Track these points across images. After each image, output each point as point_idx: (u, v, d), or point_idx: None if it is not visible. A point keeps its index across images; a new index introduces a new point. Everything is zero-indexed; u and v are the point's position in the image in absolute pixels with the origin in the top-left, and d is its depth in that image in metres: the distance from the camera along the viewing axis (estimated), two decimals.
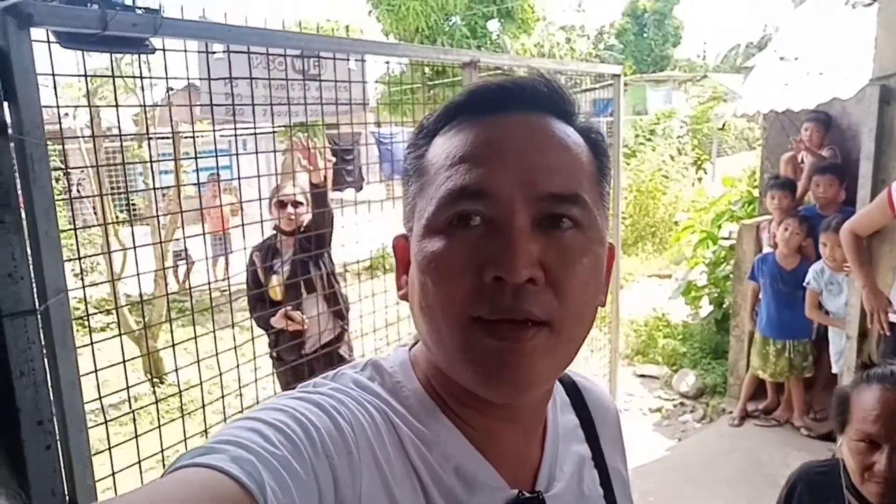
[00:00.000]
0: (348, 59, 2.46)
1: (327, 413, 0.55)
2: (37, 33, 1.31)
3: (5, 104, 1.25)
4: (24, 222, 1.28)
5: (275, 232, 3.32)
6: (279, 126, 2.76)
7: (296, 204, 3.28)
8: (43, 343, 1.33)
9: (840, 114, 4.03)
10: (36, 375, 1.31)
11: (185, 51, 1.76)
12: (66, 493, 1.45)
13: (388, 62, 2.84)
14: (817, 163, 3.98)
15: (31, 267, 1.28)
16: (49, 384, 1.35)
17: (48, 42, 1.41)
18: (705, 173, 10.56)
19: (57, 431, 1.38)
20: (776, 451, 3.75)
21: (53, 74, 1.50)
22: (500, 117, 0.58)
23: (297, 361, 3.06)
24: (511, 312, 0.54)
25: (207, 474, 0.46)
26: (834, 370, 3.66)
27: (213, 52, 1.94)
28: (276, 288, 3.25)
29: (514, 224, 0.54)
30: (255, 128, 2.20)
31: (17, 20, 1.25)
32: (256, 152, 2.02)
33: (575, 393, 0.75)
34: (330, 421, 0.55)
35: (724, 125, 9.37)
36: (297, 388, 0.62)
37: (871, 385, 1.40)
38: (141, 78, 2.12)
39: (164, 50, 1.65)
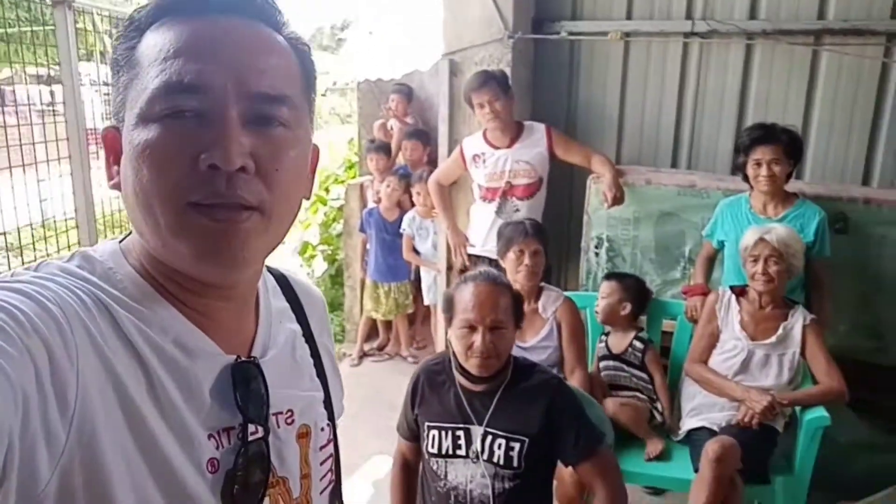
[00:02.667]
0: None
1: (31, 297, 0.52)
2: None
3: None
4: None
5: None
6: None
7: None
8: None
9: (419, 87, 4.73)
10: None
11: None
12: None
13: None
14: (405, 129, 4.62)
15: None
16: None
17: None
18: None
19: None
20: (391, 380, 4.30)
21: None
22: (212, 17, 0.60)
23: None
24: (225, 197, 0.58)
25: None
26: (426, 302, 4.35)
27: None
28: None
29: (226, 117, 0.58)
30: None
31: None
32: None
33: (284, 282, 0.83)
34: (35, 304, 0.52)
35: (325, 91, 10.05)
36: None
37: (467, 283, 1.77)
38: None
39: None
